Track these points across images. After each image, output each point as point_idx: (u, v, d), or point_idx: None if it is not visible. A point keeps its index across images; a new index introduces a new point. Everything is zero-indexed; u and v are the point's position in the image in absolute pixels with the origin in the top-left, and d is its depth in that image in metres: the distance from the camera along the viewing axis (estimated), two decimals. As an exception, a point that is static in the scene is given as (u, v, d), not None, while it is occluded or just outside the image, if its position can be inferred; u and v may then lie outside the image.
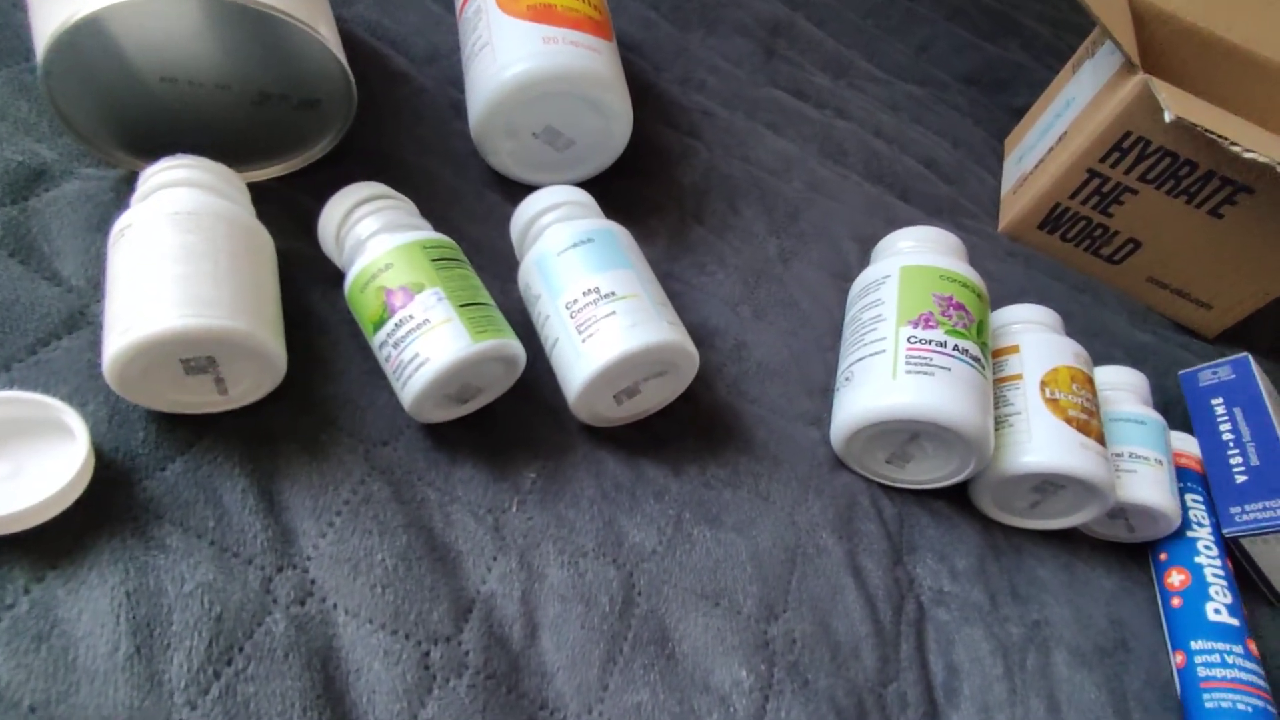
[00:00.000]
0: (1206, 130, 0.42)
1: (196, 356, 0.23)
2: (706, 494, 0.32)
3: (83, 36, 0.25)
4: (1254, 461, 0.39)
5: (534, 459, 0.30)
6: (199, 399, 0.25)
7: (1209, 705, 0.33)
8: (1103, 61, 0.51)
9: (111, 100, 0.28)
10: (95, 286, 0.26)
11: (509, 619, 0.26)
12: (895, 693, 0.30)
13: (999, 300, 0.46)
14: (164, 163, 0.26)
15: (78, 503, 0.22)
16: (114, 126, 0.29)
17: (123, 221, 0.24)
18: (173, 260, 0.23)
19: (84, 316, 0.26)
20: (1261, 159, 0.41)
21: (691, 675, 0.27)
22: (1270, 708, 0.32)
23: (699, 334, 0.37)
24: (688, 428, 0.34)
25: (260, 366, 0.25)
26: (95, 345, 0.25)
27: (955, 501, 0.37)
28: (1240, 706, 0.32)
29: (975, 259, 0.50)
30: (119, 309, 0.23)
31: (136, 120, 0.29)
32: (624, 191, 0.41)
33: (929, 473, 0.36)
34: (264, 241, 0.27)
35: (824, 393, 0.38)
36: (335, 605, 0.24)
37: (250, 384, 0.25)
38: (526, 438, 0.30)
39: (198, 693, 0.20)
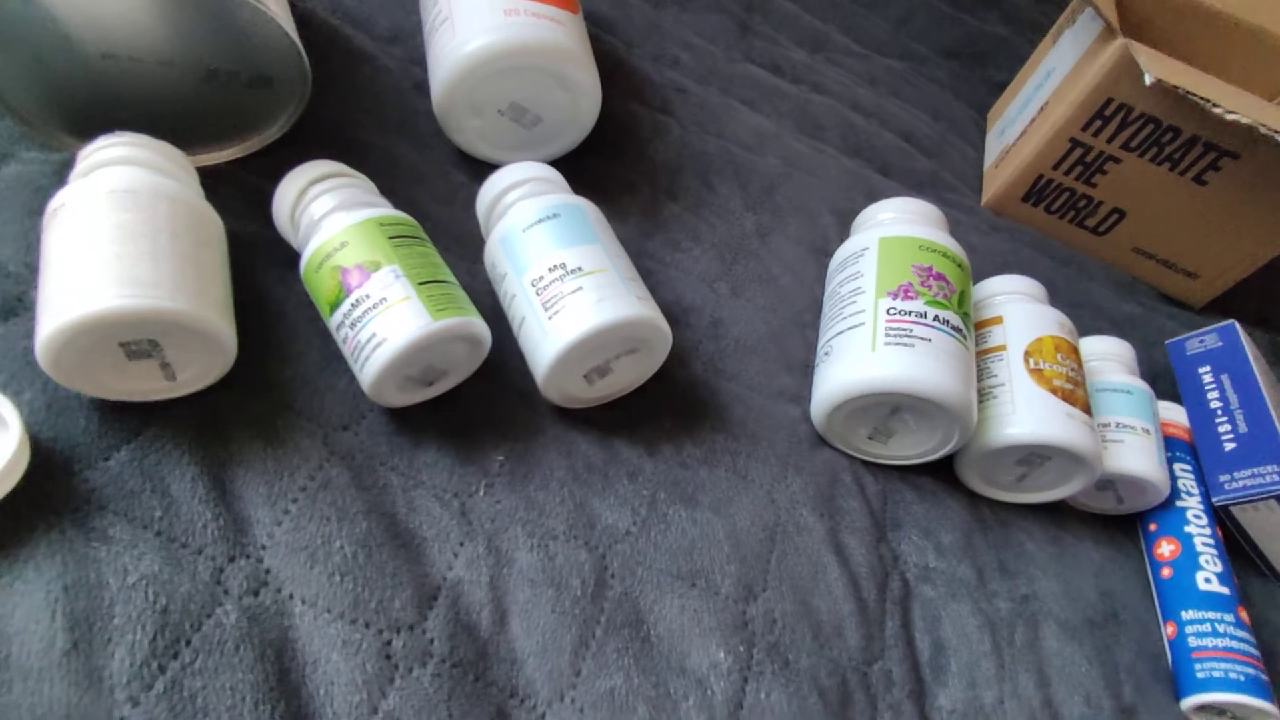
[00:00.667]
0: (1188, 92, 0.41)
1: (137, 339, 0.22)
2: (682, 473, 0.31)
3: (12, 9, 0.24)
4: (1242, 429, 0.39)
5: (502, 441, 0.29)
6: (145, 385, 0.24)
7: (1200, 675, 0.32)
8: (1082, 29, 0.50)
9: (50, 79, 0.27)
10: (34, 272, 0.25)
11: (476, 605, 0.25)
12: (880, 671, 0.29)
13: (984, 274, 0.45)
14: (102, 140, 0.25)
15: (12, 495, 0.21)
16: (55, 107, 0.28)
17: (56, 201, 0.23)
18: (109, 239, 0.22)
19: (21, 303, 0.25)
20: (1244, 120, 0.40)
21: (667, 658, 0.26)
22: (1262, 675, 0.32)
23: (675, 312, 0.36)
24: (663, 407, 0.33)
25: (208, 350, 0.24)
26: (33, 332, 0.24)
27: (941, 477, 0.37)
28: (1232, 675, 0.31)
29: (958, 233, 0.49)
30: (52, 291, 0.21)
31: (78, 100, 0.28)
32: (596, 169, 0.40)
33: (913, 447, 0.35)
34: (210, 221, 0.26)
35: (804, 369, 0.37)
36: (291, 595, 0.23)
37: (199, 369, 0.24)
38: (494, 420, 0.29)
39: (140, 688, 0.19)
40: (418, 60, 0.40)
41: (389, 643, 0.23)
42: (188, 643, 0.20)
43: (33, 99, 0.27)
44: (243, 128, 0.32)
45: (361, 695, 0.22)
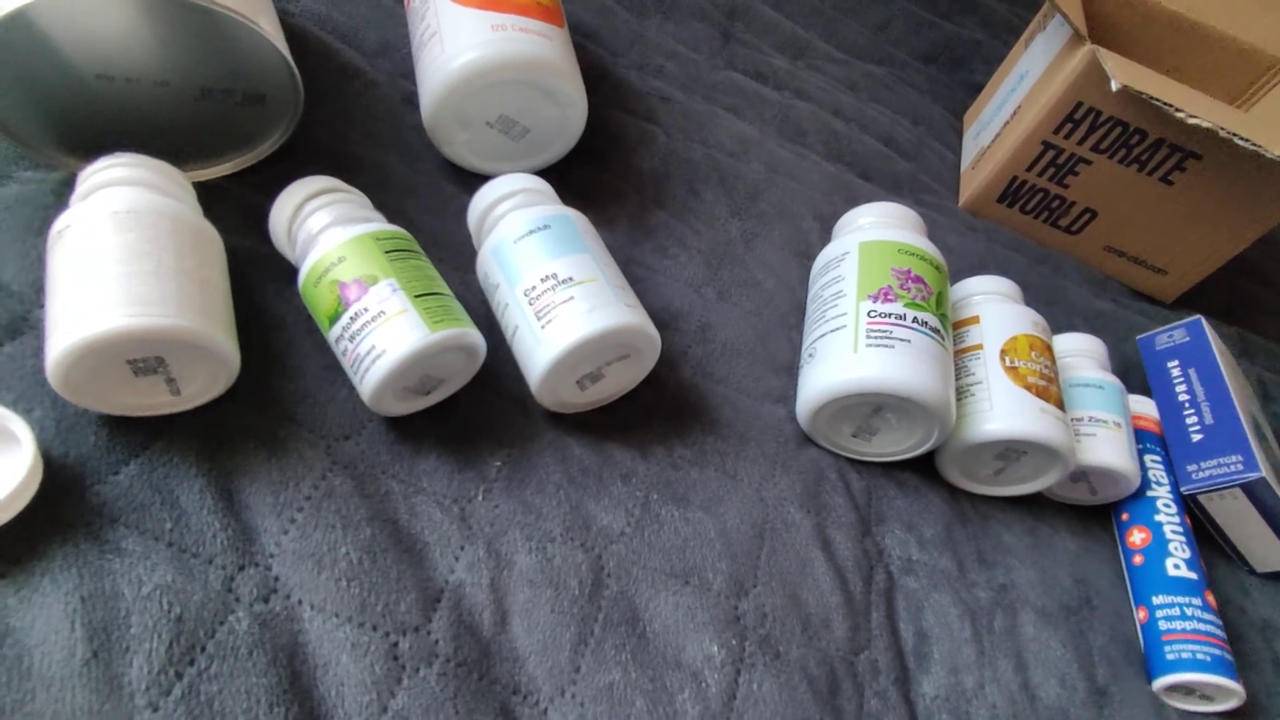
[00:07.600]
0: (1152, 98, 0.42)
1: (144, 357, 0.23)
2: (674, 474, 0.32)
3: (9, 33, 0.25)
4: (1208, 420, 0.40)
5: (499, 447, 0.30)
6: (151, 400, 0.24)
7: (1170, 657, 0.34)
8: (1053, 35, 0.51)
9: (47, 100, 0.27)
10: (37, 291, 0.26)
11: (478, 607, 0.26)
12: (867, 660, 0.30)
13: (961, 274, 0.46)
14: (102, 162, 0.26)
15: (27, 510, 0.21)
16: (52, 127, 0.28)
17: (61, 222, 0.24)
18: (114, 260, 0.23)
19: (26, 321, 0.25)
20: (1205, 124, 0.42)
21: (663, 653, 0.27)
22: (1228, 655, 0.33)
23: (663, 317, 0.37)
24: (654, 410, 0.34)
25: (212, 365, 0.24)
26: (40, 350, 0.24)
27: (922, 472, 0.38)
28: (1200, 656, 0.33)
29: (936, 234, 0.50)
30: (59, 311, 0.22)
31: (75, 120, 0.28)
32: (583, 178, 0.41)
33: (894, 445, 0.36)
34: (210, 238, 0.26)
35: (789, 371, 0.38)
36: (300, 601, 0.23)
37: (203, 383, 0.25)
38: (491, 427, 0.30)
39: (159, 694, 0.20)
40: (406, 73, 0.41)
41: (396, 644, 0.24)
42: (203, 649, 0.21)
43: (30, 120, 0.28)
44: (237, 143, 0.32)
45: (371, 695, 0.22)
